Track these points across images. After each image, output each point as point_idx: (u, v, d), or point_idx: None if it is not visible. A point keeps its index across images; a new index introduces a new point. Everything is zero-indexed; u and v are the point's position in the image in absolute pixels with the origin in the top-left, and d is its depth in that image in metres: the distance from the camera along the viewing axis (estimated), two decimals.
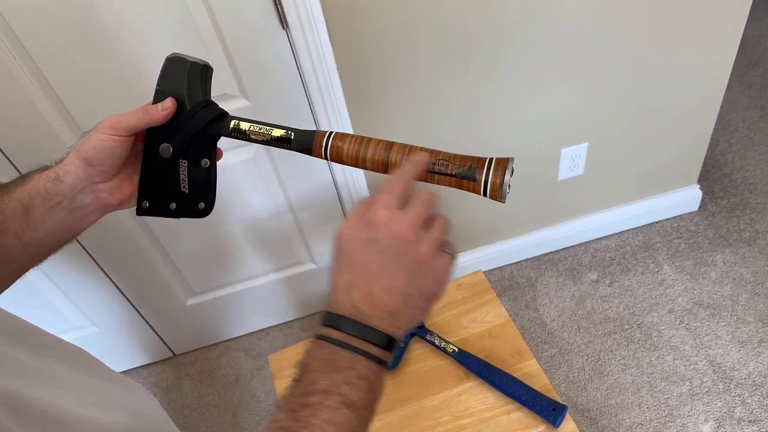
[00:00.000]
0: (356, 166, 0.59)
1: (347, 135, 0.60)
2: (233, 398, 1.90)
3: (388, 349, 0.50)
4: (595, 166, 1.83)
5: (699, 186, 2.03)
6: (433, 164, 0.57)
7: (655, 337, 1.78)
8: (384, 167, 0.59)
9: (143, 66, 1.28)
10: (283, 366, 1.20)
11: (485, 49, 1.47)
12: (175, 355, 2.06)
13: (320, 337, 0.50)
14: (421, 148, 0.58)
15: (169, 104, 0.60)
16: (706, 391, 1.63)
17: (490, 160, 0.56)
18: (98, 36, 1.23)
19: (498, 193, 0.56)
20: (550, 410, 1.01)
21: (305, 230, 1.76)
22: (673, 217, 2.08)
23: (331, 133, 0.60)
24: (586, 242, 2.07)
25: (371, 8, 1.33)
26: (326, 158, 0.60)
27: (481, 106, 1.58)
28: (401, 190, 0.53)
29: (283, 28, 1.29)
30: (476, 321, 1.19)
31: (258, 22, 1.27)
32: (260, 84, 1.38)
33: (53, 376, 0.54)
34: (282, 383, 1.18)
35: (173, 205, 0.64)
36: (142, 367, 2.05)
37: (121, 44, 1.25)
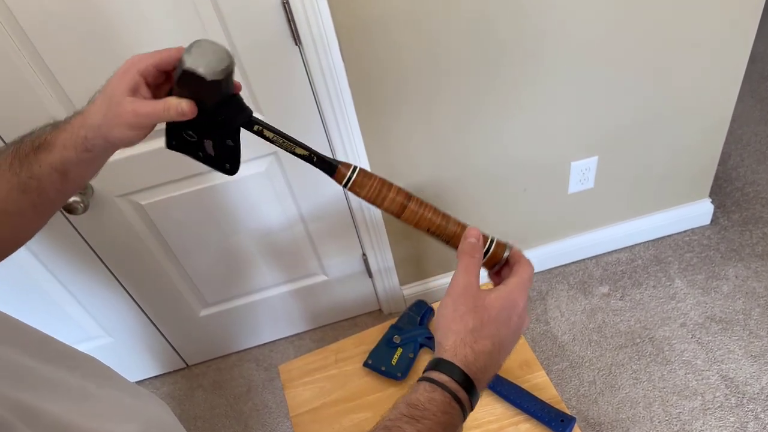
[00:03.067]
0: (372, 202, 0.64)
1: (371, 174, 0.64)
2: (245, 409, 1.92)
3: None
4: (605, 180, 1.83)
5: (711, 200, 2.03)
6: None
7: (667, 351, 1.77)
8: (400, 211, 0.64)
9: None
10: (294, 376, 1.22)
11: (497, 65, 1.49)
12: (187, 365, 2.08)
13: (448, 390, 0.55)
14: (434, 209, 0.66)
15: (188, 109, 0.60)
16: (719, 406, 1.62)
17: (492, 239, 0.66)
18: (115, 50, 1.26)
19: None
20: (558, 421, 1.01)
21: (317, 242, 1.78)
22: (685, 231, 2.07)
23: (356, 168, 0.64)
24: (597, 256, 2.07)
25: (383, 25, 1.35)
26: (345, 186, 0.64)
27: (492, 121, 1.60)
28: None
29: (296, 44, 1.32)
30: None
31: (271, 38, 1.30)
32: (274, 98, 1.41)
33: (66, 386, 0.55)
34: (292, 393, 1.19)
35: (200, 155, 0.66)
36: (156, 377, 2.07)
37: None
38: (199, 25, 1.26)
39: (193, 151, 0.66)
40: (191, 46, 0.58)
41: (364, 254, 1.86)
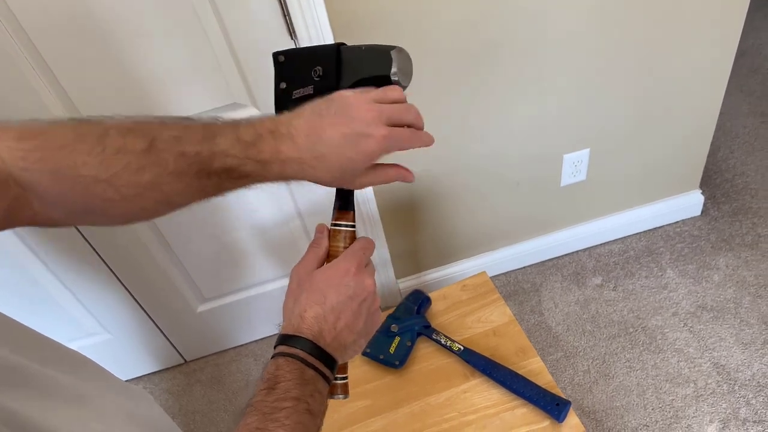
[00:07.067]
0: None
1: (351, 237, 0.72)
2: (243, 403, 1.93)
3: (333, 373, 0.63)
4: (597, 172, 1.86)
5: (701, 191, 2.06)
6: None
7: (660, 339, 1.80)
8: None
9: (159, 80, 1.33)
10: None
11: (489, 59, 1.51)
12: (186, 361, 2.09)
13: (290, 356, 0.60)
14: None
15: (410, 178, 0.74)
16: (711, 393, 1.65)
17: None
18: (116, 52, 1.28)
19: None
20: (554, 405, 1.04)
21: (313, 236, 1.79)
22: (676, 222, 2.10)
23: (354, 228, 0.72)
24: (589, 247, 2.09)
25: (377, 19, 1.37)
26: (332, 226, 0.73)
27: (484, 115, 1.62)
28: (363, 258, 0.68)
29: (292, 38, 1.33)
30: (481, 320, 1.22)
31: (267, 32, 1.32)
32: (269, 92, 1.42)
33: (59, 392, 0.55)
34: None
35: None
36: (154, 373, 2.08)
37: (137, 60, 1.30)
38: (196, 21, 1.27)
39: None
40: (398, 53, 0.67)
41: None
